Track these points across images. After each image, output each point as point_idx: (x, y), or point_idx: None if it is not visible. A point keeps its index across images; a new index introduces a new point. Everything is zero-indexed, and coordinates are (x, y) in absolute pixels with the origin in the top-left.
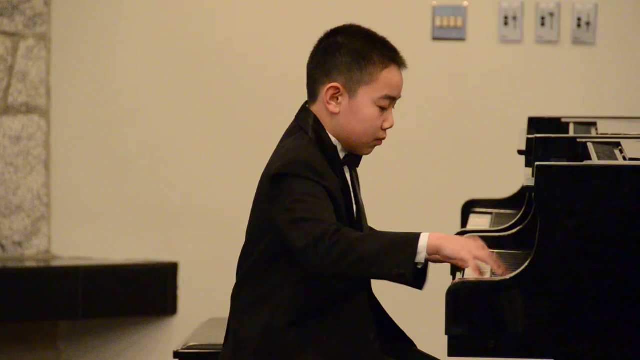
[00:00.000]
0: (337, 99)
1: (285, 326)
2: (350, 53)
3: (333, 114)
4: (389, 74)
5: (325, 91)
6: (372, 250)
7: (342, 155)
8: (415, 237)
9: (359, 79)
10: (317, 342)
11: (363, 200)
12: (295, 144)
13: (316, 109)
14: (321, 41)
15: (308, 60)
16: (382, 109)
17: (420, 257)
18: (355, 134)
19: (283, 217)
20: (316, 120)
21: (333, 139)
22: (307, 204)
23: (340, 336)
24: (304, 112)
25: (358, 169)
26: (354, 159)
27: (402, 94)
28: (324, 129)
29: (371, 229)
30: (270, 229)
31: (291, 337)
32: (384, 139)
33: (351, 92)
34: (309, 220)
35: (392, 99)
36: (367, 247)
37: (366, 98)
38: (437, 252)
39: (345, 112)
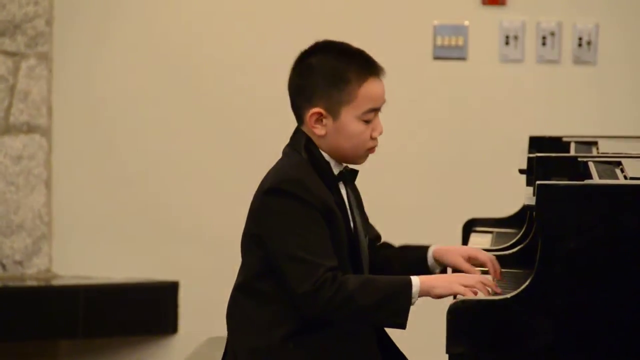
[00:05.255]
0: (322, 121)
1: (282, 341)
2: (325, 76)
3: (320, 136)
4: (368, 88)
5: (309, 117)
6: (370, 301)
7: (336, 171)
8: (408, 284)
9: (339, 100)
10: (316, 358)
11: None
12: (287, 162)
13: (306, 130)
14: (295, 65)
15: (288, 84)
16: (368, 121)
17: (412, 301)
18: (345, 151)
19: (278, 248)
20: (309, 140)
21: (326, 156)
22: (302, 238)
23: (340, 352)
24: (297, 134)
25: (359, 189)
26: (348, 175)
27: (401, 111)
28: (316, 147)
29: (389, 244)
30: (261, 245)
31: (289, 352)
32: (375, 146)
33: (334, 114)
34: (305, 261)
35: (376, 110)
36: (366, 298)
37: (349, 116)
38: (428, 295)
39: (332, 133)
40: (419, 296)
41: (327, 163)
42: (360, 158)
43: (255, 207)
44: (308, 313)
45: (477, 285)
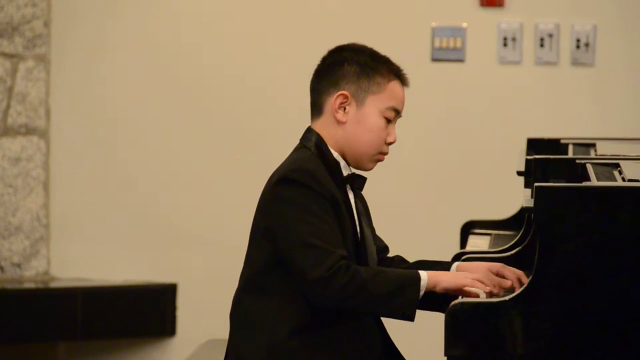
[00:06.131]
0: (345, 108)
1: (287, 337)
2: (358, 64)
3: (340, 123)
4: (394, 87)
5: (334, 99)
6: (382, 291)
7: (344, 172)
8: (417, 277)
9: (367, 88)
10: (322, 354)
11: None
12: (297, 156)
13: (320, 124)
14: (325, 58)
15: (312, 78)
16: (388, 121)
17: (420, 294)
18: (361, 144)
19: (289, 237)
20: (319, 138)
21: (335, 155)
22: (314, 227)
23: (345, 348)
24: (308, 133)
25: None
26: (357, 181)
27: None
28: (326, 145)
29: (402, 259)
30: (269, 238)
31: (295, 349)
32: (386, 153)
33: (359, 101)
34: (318, 248)
35: (397, 113)
36: (377, 288)
37: (373, 107)
38: (434, 288)
39: (352, 122)
40: (425, 290)
41: (337, 163)
42: (369, 160)
43: (265, 199)
44: (319, 300)
45: (485, 280)
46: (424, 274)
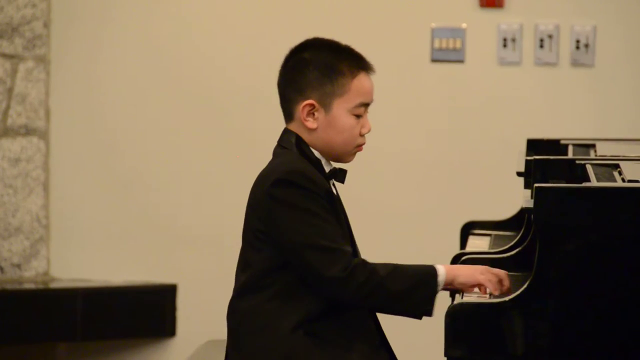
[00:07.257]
0: (314, 114)
1: (291, 331)
2: (318, 68)
3: (311, 129)
4: (359, 82)
5: (301, 109)
6: (399, 289)
7: (326, 169)
8: (434, 272)
9: (332, 92)
10: (323, 347)
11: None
12: (286, 158)
13: (294, 127)
14: (287, 60)
15: (278, 81)
16: (358, 116)
17: (437, 290)
18: (336, 146)
19: (296, 240)
20: (298, 138)
21: (316, 153)
22: (318, 227)
23: (346, 342)
24: (286, 134)
25: (357, 190)
26: (339, 174)
27: (399, 114)
28: (307, 145)
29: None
30: (267, 241)
31: (300, 339)
32: (363, 144)
33: (326, 106)
34: (328, 248)
35: (366, 105)
36: (395, 285)
37: (341, 109)
38: (451, 284)
39: (323, 127)
40: (444, 284)
41: (318, 161)
42: (348, 155)
43: (260, 202)
44: (338, 298)
45: (499, 280)
46: (441, 269)
